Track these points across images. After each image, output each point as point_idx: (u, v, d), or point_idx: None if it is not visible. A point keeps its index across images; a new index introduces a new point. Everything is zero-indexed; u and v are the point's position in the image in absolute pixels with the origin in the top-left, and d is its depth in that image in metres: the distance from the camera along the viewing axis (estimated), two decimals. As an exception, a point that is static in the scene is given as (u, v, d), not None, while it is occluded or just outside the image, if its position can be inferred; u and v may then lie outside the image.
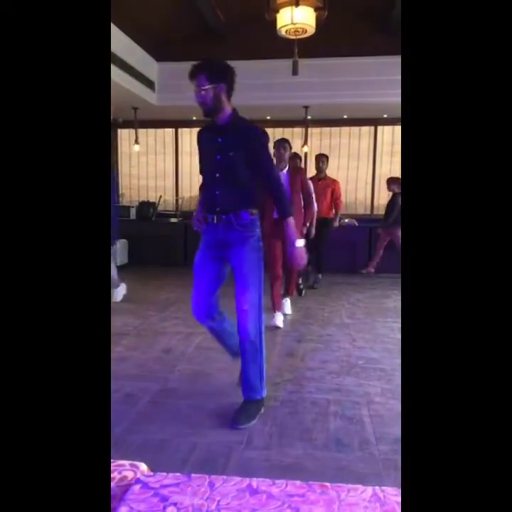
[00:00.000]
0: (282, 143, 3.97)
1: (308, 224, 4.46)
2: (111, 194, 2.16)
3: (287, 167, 4.04)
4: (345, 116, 8.04)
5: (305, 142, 7.77)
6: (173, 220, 7.66)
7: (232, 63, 2.15)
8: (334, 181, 5.86)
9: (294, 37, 3.97)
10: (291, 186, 3.96)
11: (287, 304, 4.41)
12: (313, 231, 4.59)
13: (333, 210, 5.83)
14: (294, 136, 8.26)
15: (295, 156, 5.34)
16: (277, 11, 3.84)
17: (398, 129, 8.05)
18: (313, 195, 4.38)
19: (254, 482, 0.96)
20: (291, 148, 4.10)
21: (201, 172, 2.35)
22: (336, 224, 5.97)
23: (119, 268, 5.46)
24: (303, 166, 6.95)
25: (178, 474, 1.01)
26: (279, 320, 3.98)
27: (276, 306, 4.02)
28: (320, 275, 5.88)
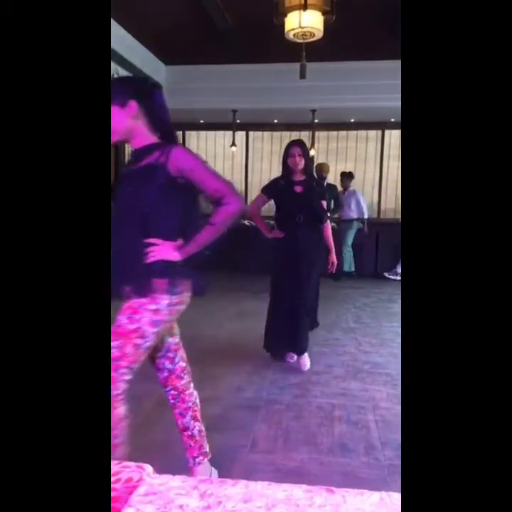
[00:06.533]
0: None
1: None
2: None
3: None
4: (352, 120, 8.03)
5: (312, 146, 7.77)
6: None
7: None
8: None
9: (301, 40, 3.97)
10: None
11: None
12: None
13: None
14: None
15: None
16: (285, 15, 3.84)
17: (406, 133, 8.02)
18: None
19: (260, 485, 0.96)
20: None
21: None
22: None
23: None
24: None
25: (184, 476, 1.01)
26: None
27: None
28: None
